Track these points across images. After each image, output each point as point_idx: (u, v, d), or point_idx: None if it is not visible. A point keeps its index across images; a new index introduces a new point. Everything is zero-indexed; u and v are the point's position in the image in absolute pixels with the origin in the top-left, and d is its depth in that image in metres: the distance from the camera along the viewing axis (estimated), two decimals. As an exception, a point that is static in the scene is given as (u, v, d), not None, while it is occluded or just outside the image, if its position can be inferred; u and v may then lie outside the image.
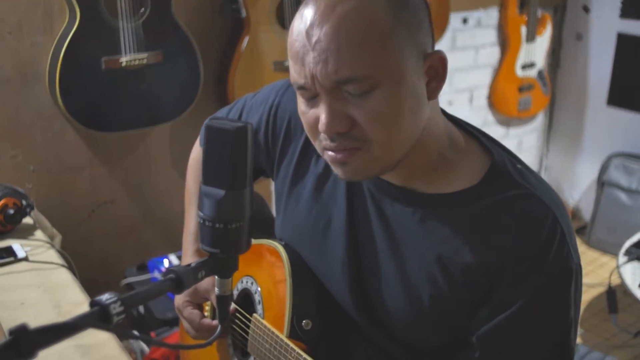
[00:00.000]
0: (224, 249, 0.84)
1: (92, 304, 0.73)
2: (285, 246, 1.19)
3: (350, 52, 0.87)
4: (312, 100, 0.94)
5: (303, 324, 1.12)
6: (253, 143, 0.84)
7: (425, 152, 1.01)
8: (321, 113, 0.91)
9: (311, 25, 0.88)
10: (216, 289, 0.89)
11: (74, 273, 1.65)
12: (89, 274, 2.13)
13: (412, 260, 1.04)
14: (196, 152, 1.42)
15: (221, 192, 0.82)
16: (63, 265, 1.62)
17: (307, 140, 1.16)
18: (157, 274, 2.21)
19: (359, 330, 1.12)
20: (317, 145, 0.98)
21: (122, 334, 0.73)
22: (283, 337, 1.11)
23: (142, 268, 2.28)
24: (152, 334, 2.05)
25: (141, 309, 2.15)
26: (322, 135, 0.94)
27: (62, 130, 2.22)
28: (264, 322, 1.18)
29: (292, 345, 1.08)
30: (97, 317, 0.72)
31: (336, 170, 0.98)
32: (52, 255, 1.66)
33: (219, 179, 0.83)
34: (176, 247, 2.38)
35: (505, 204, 0.99)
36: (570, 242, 0.99)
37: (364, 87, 0.89)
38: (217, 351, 1.37)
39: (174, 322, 2.08)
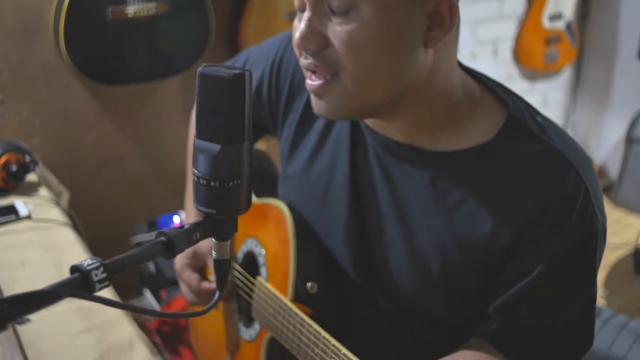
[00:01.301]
0: (220, 209, 0.76)
1: (72, 269, 0.66)
2: (289, 205, 1.12)
3: None
4: (300, 15, 0.89)
5: (308, 286, 1.06)
6: (251, 92, 0.75)
7: (429, 105, 0.93)
8: (299, 27, 0.87)
9: None
10: (213, 253, 0.82)
11: (78, 232, 1.60)
12: (99, 232, 2.09)
13: (421, 226, 0.97)
14: None
15: (217, 146, 0.74)
16: (67, 224, 1.56)
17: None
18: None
19: (364, 295, 1.06)
20: (301, 64, 0.92)
21: (106, 303, 0.66)
22: (287, 301, 1.05)
23: (153, 225, 2.23)
24: (163, 292, 2.01)
25: (152, 267, 2.10)
26: (300, 57, 0.90)
27: (68, 84, 2.14)
28: (268, 285, 1.12)
29: (295, 309, 1.02)
30: (78, 285, 0.65)
31: (314, 105, 0.93)
32: (56, 214, 1.60)
33: (214, 133, 0.74)
34: (188, 205, 2.32)
35: (523, 160, 0.91)
36: (595, 202, 0.90)
37: (343, 4, 0.83)
38: (222, 316, 1.31)
39: (184, 281, 2.03)
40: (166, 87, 2.34)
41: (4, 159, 1.62)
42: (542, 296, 0.92)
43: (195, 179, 0.76)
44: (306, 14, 0.87)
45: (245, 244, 1.22)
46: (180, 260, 1.25)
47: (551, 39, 3.41)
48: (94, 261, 0.66)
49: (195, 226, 0.76)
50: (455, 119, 0.94)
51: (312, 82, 0.90)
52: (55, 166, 2.02)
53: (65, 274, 0.66)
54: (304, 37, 0.86)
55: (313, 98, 0.92)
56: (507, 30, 3.35)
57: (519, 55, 3.41)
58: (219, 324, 1.33)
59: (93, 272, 0.65)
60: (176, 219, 2.18)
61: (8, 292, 1.27)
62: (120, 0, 1.99)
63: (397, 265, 1.00)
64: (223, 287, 0.83)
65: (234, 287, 1.26)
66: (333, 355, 0.89)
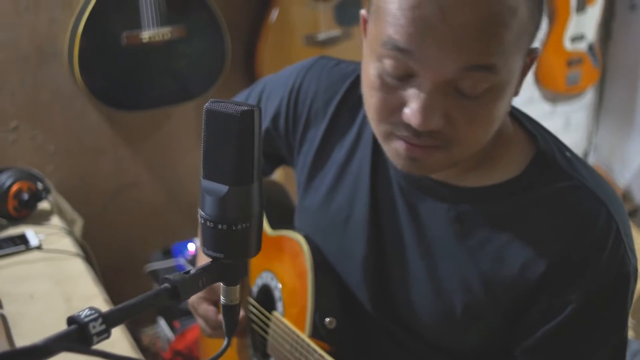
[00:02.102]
0: (228, 254, 0.72)
1: (69, 321, 0.62)
2: (307, 238, 1.08)
3: (493, 35, 0.74)
4: (401, 80, 0.79)
5: (326, 322, 1.02)
6: (261, 129, 0.71)
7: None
8: (415, 102, 0.77)
9: None
10: (222, 298, 0.77)
11: (90, 262, 1.57)
12: (112, 260, 2.06)
13: (446, 262, 0.93)
14: None
15: (224, 187, 0.70)
16: (78, 255, 1.53)
17: (329, 126, 1.06)
18: (182, 260, 2.12)
19: (383, 330, 1.02)
20: (381, 128, 0.84)
21: (105, 357, 0.62)
22: (305, 337, 1.01)
23: (168, 253, 2.20)
24: (176, 323, 1.97)
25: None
26: (400, 124, 0.80)
27: (83, 109, 2.13)
28: (285, 320, 1.07)
29: (314, 346, 0.98)
30: (74, 338, 0.61)
31: (398, 162, 0.85)
32: (68, 244, 1.57)
33: (221, 173, 0.70)
34: (203, 231, 2.29)
35: (552, 197, 0.87)
36: (627, 241, 0.86)
37: (483, 84, 0.76)
38: (236, 352, 1.27)
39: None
40: (181, 113, 2.32)
41: (15, 187, 1.59)
42: (572, 337, 0.88)
43: (202, 221, 0.72)
44: (428, 90, 0.77)
45: (261, 278, 1.18)
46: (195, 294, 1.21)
47: (573, 61, 3.36)
48: (92, 312, 0.62)
49: (202, 271, 0.72)
50: (487, 156, 0.91)
51: (410, 147, 0.82)
52: (69, 193, 2.00)
53: (75, 308, 0.62)
54: (428, 118, 0.77)
55: (400, 157, 0.84)
56: (528, 52, 3.31)
57: (541, 77, 3.35)
58: (230, 358, 1.29)
59: (91, 325, 0.61)
60: (191, 247, 2.15)
61: (15, 326, 1.23)
62: (135, 25, 1.98)
63: (419, 301, 0.96)
64: (232, 333, 0.79)
65: (248, 322, 1.21)
66: None
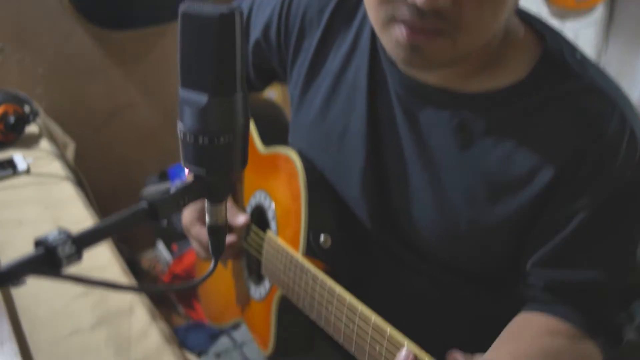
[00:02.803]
0: (211, 169, 0.67)
1: (37, 243, 0.58)
2: (301, 154, 1.03)
3: None
4: None
5: (321, 240, 0.98)
6: (244, 34, 0.65)
7: (484, 46, 0.82)
8: None
9: None
10: (207, 217, 0.72)
11: (82, 186, 1.52)
12: (107, 184, 2.02)
13: (448, 174, 0.87)
14: None
15: (204, 97, 0.64)
16: (68, 178, 1.48)
17: (323, 34, 1.00)
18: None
19: (382, 248, 0.98)
20: (381, 14, 0.77)
21: (77, 281, 0.57)
22: (298, 256, 0.97)
23: (164, 175, 2.16)
24: (174, 246, 1.95)
25: (164, 221, 2.04)
26: (402, 4, 0.73)
27: (71, 30, 2.04)
28: (278, 240, 1.04)
29: (307, 265, 0.94)
30: (42, 262, 0.56)
31: (398, 52, 0.78)
32: (57, 167, 1.53)
33: (200, 81, 0.64)
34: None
35: (561, 99, 0.81)
36: None
37: None
38: (231, 274, 1.24)
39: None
40: (175, 31, 2.22)
41: (0, 110, 1.54)
42: (592, 240, 0.83)
43: (182, 136, 0.67)
44: None
45: (254, 197, 1.14)
46: (188, 215, 1.17)
47: (583, -26, 3.25)
48: (62, 234, 0.58)
49: (183, 189, 0.67)
50: (492, 57, 0.84)
51: (410, 33, 0.75)
52: (60, 116, 1.95)
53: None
54: None
55: (401, 47, 0.77)
56: (537, -34, 3.18)
57: (548, -9, 3.25)
58: (228, 283, 1.26)
59: (60, 248, 0.57)
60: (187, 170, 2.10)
61: (2, 253, 1.20)
62: (121, -62, 1.88)
63: (421, 215, 0.92)
64: (219, 256, 0.74)
65: (243, 244, 1.18)
66: (349, 311, 0.81)
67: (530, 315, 0.86)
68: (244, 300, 1.19)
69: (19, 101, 1.59)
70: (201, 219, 1.17)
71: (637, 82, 3.55)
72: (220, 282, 1.30)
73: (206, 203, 0.72)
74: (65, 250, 0.57)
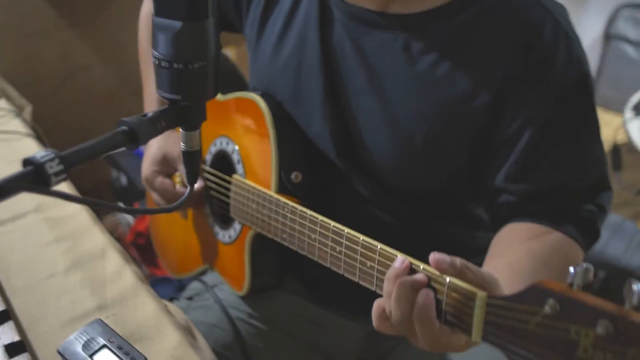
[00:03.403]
0: (186, 95, 0.70)
1: (25, 162, 0.60)
2: (263, 95, 1.05)
3: None
4: None
5: (292, 176, 1.01)
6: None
7: None
8: None
9: None
10: (182, 144, 0.75)
11: (43, 143, 1.52)
12: (66, 147, 2.00)
13: (398, 94, 0.92)
14: (147, 5, 1.28)
15: (177, 23, 0.67)
16: (30, 135, 1.48)
17: None
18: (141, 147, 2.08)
19: (345, 179, 1.02)
20: None
21: (63, 197, 0.60)
22: (272, 193, 1.00)
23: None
24: (136, 204, 1.96)
25: (123, 179, 2.05)
26: None
27: (21, -10, 2.02)
28: (247, 181, 1.06)
29: (284, 199, 0.97)
30: (31, 179, 0.59)
31: None
32: (18, 125, 1.51)
33: (173, 8, 0.67)
34: (158, 114, 2.25)
35: (495, 10, 0.86)
36: (578, 47, 0.86)
37: None
38: (193, 224, 1.26)
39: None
40: (128, -9, 2.22)
41: (-44, 68, 1.52)
42: (552, 143, 0.88)
43: (156, 62, 0.69)
44: None
45: (214, 145, 1.16)
46: (148, 168, 1.20)
47: None
48: (48, 152, 0.60)
49: (160, 114, 0.70)
50: None
51: None
52: (14, 78, 1.91)
53: (31, 187, 0.59)
54: None
55: None
56: None
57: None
58: (188, 233, 1.28)
59: (47, 165, 0.59)
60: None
61: (-30, 206, 1.20)
62: None
63: (376, 139, 0.96)
64: (194, 180, 0.78)
65: (204, 192, 1.20)
66: (334, 236, 0.85)
67: (513, 226, 0.91)
68: (212, 246, 1.21)
69: (-26, 60, 1.57)
70: (161, 171, 1.19)
71: (581, 39, 3.65)
72: (179, 233, 1.32)
73: (180, 131, 0.75)
74: (53, 167, 0.59)
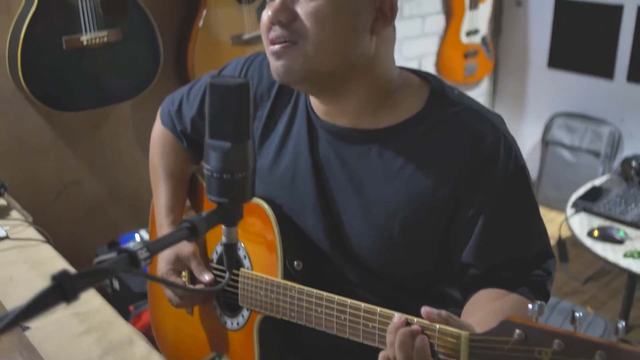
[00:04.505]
0: (231, 198, 0.90)
1: (120, 251, 0.78)
2: (263, 197, 1.26)
3: None
4: (271, 2, 1.06)
5: (295, 264, 1.19)
6: (252, 98, 0.89)
7: (370, 87, 1.12)
8: (273, 5, 1.05)
9: None
10: (223, 238, 0.95)
11: (55, 248, 1.67)
12: (61, 254, 2.15)
13: (375, 193, 1.14)
14: (158, 130, 1.47)
15: (227, 144, 0.87)
16: (45, 242, 1.64)
17: (272, 105, 1.27)
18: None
19: (337, 267, 1.21)
20: (265, 47, 1.10)
21: (153, 279, 0.77)
22: (279, 279, 1.18)
23: (113, 245, 2.31)
24: (131, 307, 2.08)
25: (116, 284, 2.18)
26: (270, 32, 1.07)
27: (24, 112, 2.21)
28: (255, 272, 1.24)
29: (290, 283, 1.15)
30: (127, 262, 0.77)
31: (273, 67, 1.09)
32: (33, 233, 1.68)
33: (224, 132, 0.88)
34: (143, 224, 2.41)
35: (447, 121, 1.10)
36: (514, 146, 1.10)
37: None
38: (200, 317, 1.42)
39: (151, 294, 2.12)
40: (118, 113, 2.44)
41: (-25, 184, 1.69)
42: (501, 226, 1.09)
43: (208, 173, 0.89)
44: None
45: (220, 245, 1.34)
46: (164, 267, 1.35)
47: (469, 53, 3.69)
48: (138, 243, 0.79)
49: (211, 214, 0.89)
50: (392, 101, 1.13)
51: (275, 46, 1.06)
52: (14, 192, 2.07)
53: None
54: (277, 11, 1.04)
55: (273, 61, 1.08)
56: (430, 47, 3.60)
57: (441, 68, 3.66)
58: (196, 326, 1.43)
59: (139, 252, 0.77)
60: (137, 238, 2.27)
61: (1, 307, 1.34)
62: (74, 30, 2.09)
63: (361, 233, 1.16)
64: (232, 267, 0.96)
65: (213, 286, 1.37)
66: (339, 307, 1.04)
67: (479, 293, 1.11)
68: (220, 334, 1.37)
69: (-10, 177, 1.74)
70: (175, 269, 1.35)
71: (522, 145, 3.98)
72: (187, 328, 1.46)
73: (223, 227, 0.95)
74: (143, 254, 0.77)
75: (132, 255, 0.77)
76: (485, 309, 1.05)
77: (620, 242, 2.32)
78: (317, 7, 1.03)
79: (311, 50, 1.04)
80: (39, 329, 1.27)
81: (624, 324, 0.70)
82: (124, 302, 2.14)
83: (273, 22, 1.05)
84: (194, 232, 0.86)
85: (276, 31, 1.06)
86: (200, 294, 1.35)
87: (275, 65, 1.08)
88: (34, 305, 0.69)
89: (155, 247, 0.80)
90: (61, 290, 0.71)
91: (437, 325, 0.87)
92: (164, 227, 1.42)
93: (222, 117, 0.88)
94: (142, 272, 0.77)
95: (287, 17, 1.04)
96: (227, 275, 0.97)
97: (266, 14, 1.07)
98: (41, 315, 0.69)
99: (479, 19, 3.65)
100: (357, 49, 1.07)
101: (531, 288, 1.09)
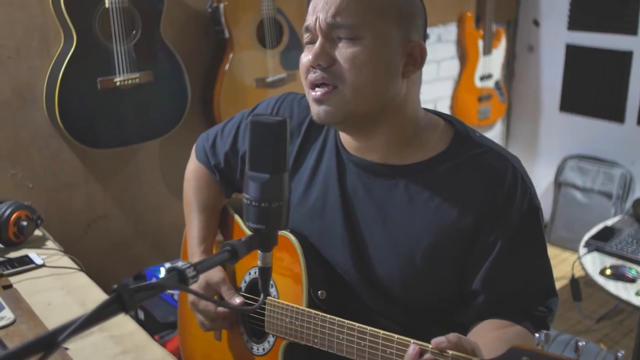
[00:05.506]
0: (267, 225, 0.98)
1: (169, 270, 0.86)
2: (292, 231, 1.33)
3: (350, 5, 1.12)
4: (310, 46, 1.16)
5: (319, 294, 1.26)
6: (289, 134, 0.98)
7: (400, 126, 1.21)
8: (313, 50, 1.14)
9: None
10: (259, 262, 1.02)
11: (89, 277, 1.75)
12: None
13: (401, 225, 1.22)
14: (193, 165, 1.56)
15: (266, 175, 0.96)
16: (80, 270, 1.72)
17: (302, 141, 1.36)
18: (155, 282, 2.30)
19: (359, 298, 1.28)
20: (305, 88, 1.19)
21: (201, 297, 0.85)
22: (303, 307, 1.25)
23: (139, 277, 2.38)
24: (156, 337, 2.15)
25: (141, 314, 2.25)
26: (309, 74, 1.15)
27: (58, 148, 2.32)
28: (281, 300, 1.31)
29: (314, 311, 1.22)
30: (177, 279, 0.85)
31: (314, 111, 1.18)
32: (67, 262, 1.76)
33: (263, 165, 0.96)
34: (167, 258, 2.49)
35: (470, 161, 1.19)
36: (530, 187, 1.19)
37: (351, 34, 1.12)
38: (227, 343, 1.48)
39: (175, 325, 2.18)
40: (146, 150, 2.54)
41: (15, 215, 1.78)
42: (509, 262, 1.16)
43: (247, 202, 0.98)
44: (319, 41, 1.14)
45: (249, 274, 1.42)
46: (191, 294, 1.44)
47: (483, 97, 3.79)
48: (186, 262, 0.87)
49: (249, 239, 0.97)
50: (419, 140, 1.22)
51: (315, 92, 1.15)
52: (46, 226, 2.17)
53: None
54: (318, 55, 1.13)
55: (314, 105, 1.17)
56: (445, 90, 3.71)
57: (456, 112, 3.75)
58: (224, 351, 1.50)
59: (187, 270, 0.85)
60: (163, 271, 2.35)
61: (42, 327, 1.41)
62: (108, 72, 2.21)
63: (386, 262, 1.23)
64: (267, 290, 1.04)
65: (238, 315, 1.44)
66: (359, 334, 1.11)
67: (485, 322, 1.18)
68: (247, 359, 1.44)
69: (28, 208, 1.84)
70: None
71: (535, 187, 4.04)
72: (215, 354, 1.53)
73: (259, 252, 1.03)
74: (190, 272, 0.85)
75: (181, 273, 0.85)
76: (489, 335, 1.12)
77: (632, 280, 2.37)
78: (355, 53, 1.12)
79: (349, 94, 1.13)
80: (77, 349, 1.35)
81: (623, 352, 0.77)
82: (149, 332, 2.19)
83: (313, 65, 1.14)
84: (234, 255, 0.94)
85: (316, 73, 1.14)
86: (237, 311, 1.41)
87: (317, 110, 1.17)
88: (97, 314, 0.76)
89: (201, 266, 0.88)
90: (121, 301, 0.78)
91: (450, 352, 0.93)
92: (195, 256, 1.49)
93: (262, 151, 0.97)
94: (189, 289, 0.85)
95: (327, 62, 1.13)
96: (261, 296, 1.04)
97: (305, 57, 1.16)
98: (102, 323, 0.77)
99: (492, 64, 3.76)
100: (390, 92, 1.16)
101: (533, 322, 1.16)
